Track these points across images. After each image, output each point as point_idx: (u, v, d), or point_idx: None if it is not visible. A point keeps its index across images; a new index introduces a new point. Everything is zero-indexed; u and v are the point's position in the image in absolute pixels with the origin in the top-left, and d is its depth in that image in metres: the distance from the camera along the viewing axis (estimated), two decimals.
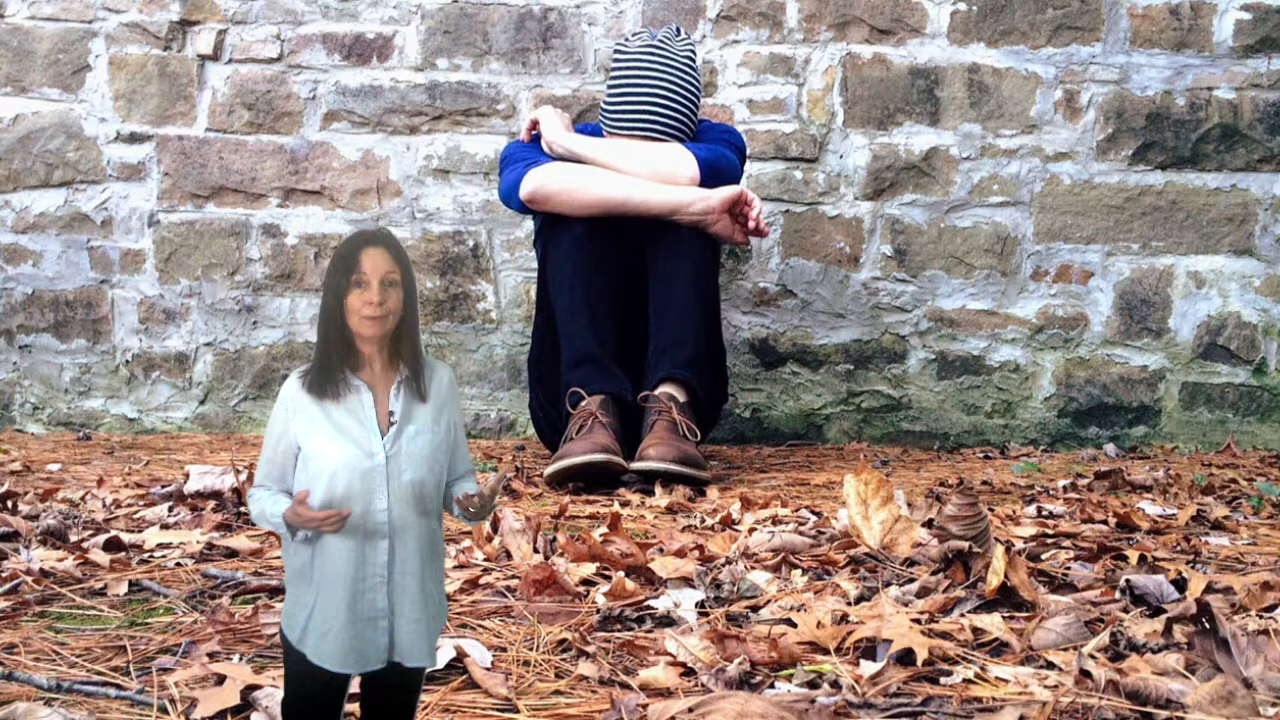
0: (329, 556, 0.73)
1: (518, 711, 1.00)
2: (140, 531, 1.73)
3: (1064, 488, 2.38)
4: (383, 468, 0.73)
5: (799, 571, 1.50)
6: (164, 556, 1.59)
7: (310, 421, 0.73)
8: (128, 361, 3.43)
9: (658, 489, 2.27)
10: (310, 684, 0.74)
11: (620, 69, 2.68)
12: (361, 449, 0.73)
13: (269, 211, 3.41)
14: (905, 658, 1.11)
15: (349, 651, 0.73)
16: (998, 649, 1.17)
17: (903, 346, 3.37)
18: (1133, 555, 1.58)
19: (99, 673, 1.09)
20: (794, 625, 1.21)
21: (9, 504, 1.88)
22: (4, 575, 1.42)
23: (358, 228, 3.39)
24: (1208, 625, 1.11)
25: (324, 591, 0.73)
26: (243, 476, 1.99)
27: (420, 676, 0.78)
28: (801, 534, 1.71)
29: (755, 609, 1.32)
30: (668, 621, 1.28)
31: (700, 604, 1.34)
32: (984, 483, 2.47)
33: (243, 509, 1.89)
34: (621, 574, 1.43)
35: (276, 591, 1.41)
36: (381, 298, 0.72)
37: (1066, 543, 1.73)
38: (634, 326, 2.65)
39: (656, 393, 2.49)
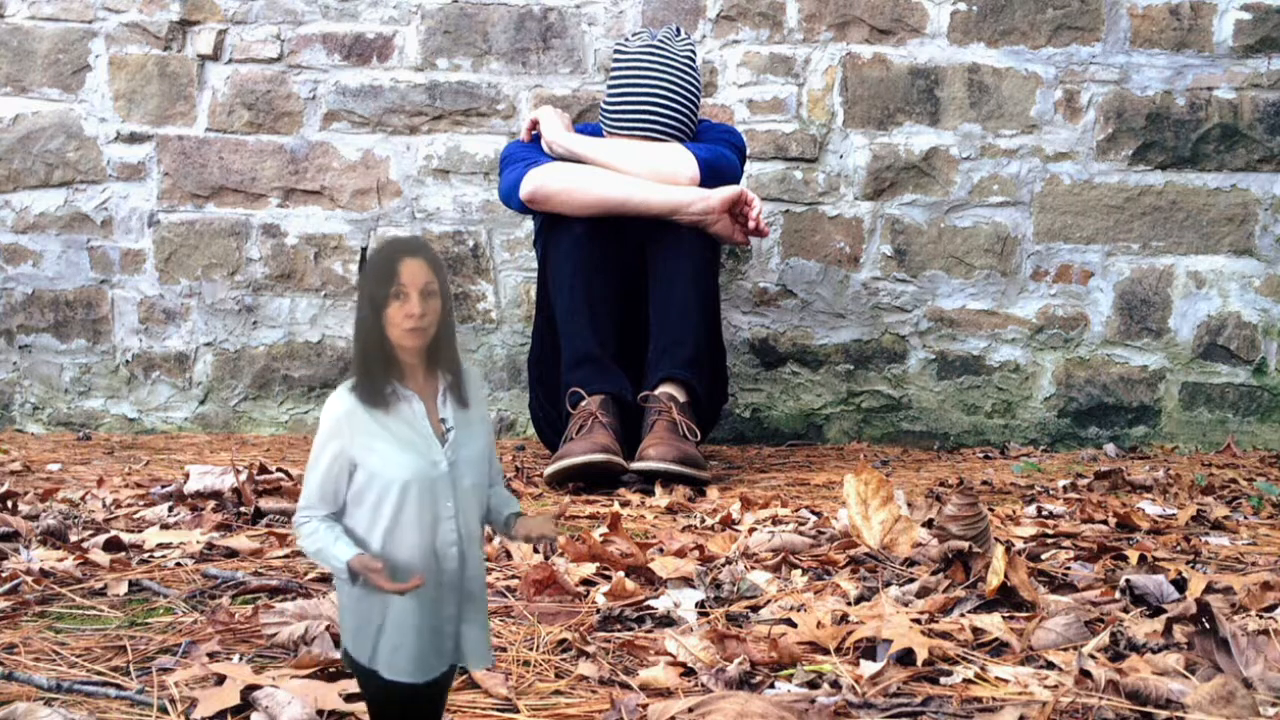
0: (401, 571, 0.72)
1: (518, 711, 1.00)
2: (140, 531, 1.73)
3: (1064, 488, 2.38)
4: (447, 476, 0.73)
5: (799, 571, 1.50)
6: (164, 556, 1.59)
7: (369, 435, 0.72)
8: (128, 361, 3.43)
9: (658, 489, 2.27)
10: (394, 700, 0.74)
11: (620, 69, 2.68)
12: (426, 458, 0.72)
13: (269, 211, 3.41)
14: (905, 658, 1.11)
15: (420, 661, 0.73)
16: (998, 649, 1.17)
17: (903, 346, 3.37)
18: (1133, 555, 1.58)
19: (99, 673, 1.09)
20: (794, 625, 1.22)
21: (9, 504, 1.88)
22: (4, 575, 1.42)
23: (358, 228, 3.40)
24: (1208, 625, 1.11)
25: (395, 607, 0.72)
26: (243, 476, 1.99)
27: (451, 678, 0.78)
28: (801, 534, 1.71)
29: (755, 609, 1.32)
30: (668, 621, 1.28)
31: (700, 604, 1.34)
32: (984, 483, 2.47)
33: (242, 509, 1.89)
34: (621, 574, 1.43)
35: (276, 591, 1.41)
36: (422, 309, 0.71)
37: (1066, 543, 1.73)
38: (634, 326, 2.65)
39: (656, 393, 2.49)
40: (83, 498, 2.01)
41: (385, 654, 0.73)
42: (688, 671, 1.10)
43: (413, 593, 0.71)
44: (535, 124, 2.77)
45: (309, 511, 0.73)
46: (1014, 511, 2.02)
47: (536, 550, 0.78)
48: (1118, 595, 1.36)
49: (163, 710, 0.99)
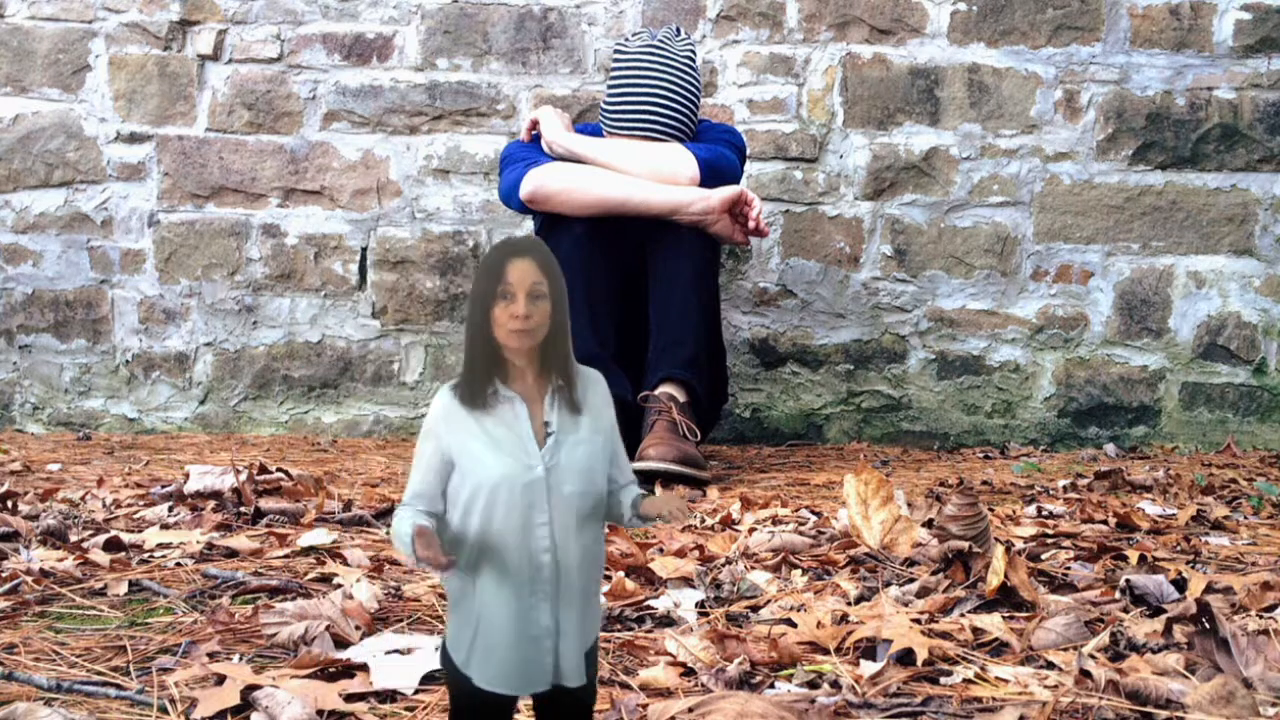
0: (492, 575, 0.70)
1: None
2: (140, 531, 1.73)
3: (1064, 488, 2.38)
4: (543, 480, 0.70)
5: (799, 571, 1.50)
6: (164, 556, 1.59)
7: (466, 434, 0.71)
8: (128, 361, 3.43)
9: (658, 489, 2.27)
10: (476, 707, 0.72)
11: (620, 69, 2.68)
12: (520, 462, 0.70)
13: (269, 211, 3.41)
14: (905, 658, 1.11)
15: (513, 673, 0.71)
16: (998, 649, 1.17)
17: (903, 346, 3.37)
18: (1133, 555, 1.58)
19: (99, 673, 1.09)
20: (794, 625, 1.21)
21: (9, 504, 1.88)
22: (4, 575, 1.42)
23: (357, 228, 3.40)
24: (1208, 625, 1.11)
25: (487, 612, 0.70)
26: (243, 476, 1.99)
27: (594, 693, 0.75)
28: (801, 534, 1.71)
29: (755, 609, 1.32)
30: (668, 621, 1.28)
31: (700, 604, 1.34)
32: (984, 483, 2.47)
33: (242, 509, 1.89)
34: (621, 574, 1.43)
35: (276, 591, 1.41)
36: (528, 310, 0.69)
37: (1066, 543, 1.73)
38: (634, 326, 2.65)
39: (656, 393, 2.49)
40: (83, 498, 2.01)
41: (479, 660, 0.71)
42: (688, 671, 1.10)
43: (504, 599, 0.70)
44: (535, 124, 2.77)
45: (407, 505, 0.72)
46: (1014, 511, 2.02)
47: (665, 522, 0.74)
48: (1118, 595, 1.36)
49: (163, 710, 0.99)
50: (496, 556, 0.70)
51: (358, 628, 1.21)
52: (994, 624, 1.20)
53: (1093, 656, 1.08)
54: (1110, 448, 3.21)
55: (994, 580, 1.30)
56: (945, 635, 1.19)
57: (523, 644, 0.70)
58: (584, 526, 0.72)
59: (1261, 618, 1.24)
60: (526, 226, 3.31)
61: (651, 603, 1.34)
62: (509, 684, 0.71)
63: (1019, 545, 1.69)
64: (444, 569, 0.68)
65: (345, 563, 1.56)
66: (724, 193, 2.56)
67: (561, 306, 0.71)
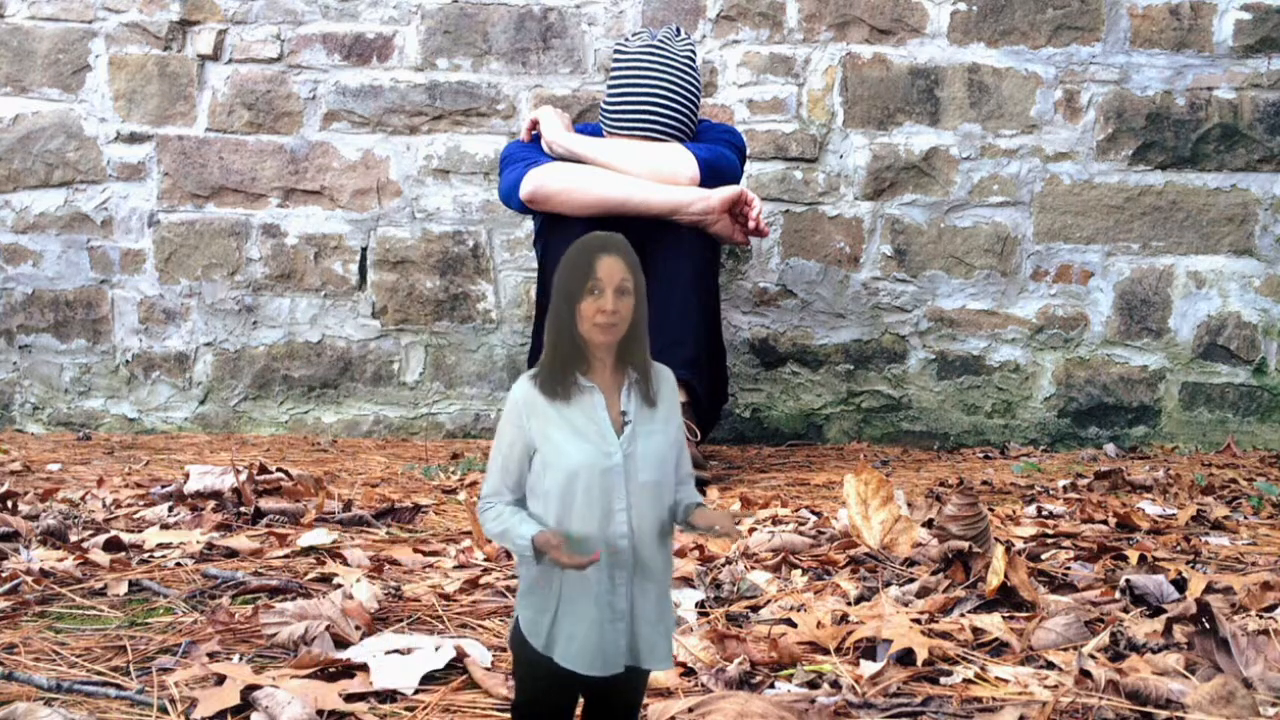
0: (585, 546, 0.72)
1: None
2: (140, 531, 1.73)
3: (1064, 488, 2.38)
4: (620, 467, 0.73)
5: (799, 571, 1.50)
6: (164, 556, 1.59)
7: (546, 421, 0.73)
8: (128, 361, 3.43)
9: None
10: (552, 689, 0.74)
11: (620, 69, 2.68)
12: (599, 449, 0.73)
13: (269, 211, 3.41)
14: (905, 658, 1.11)
15: (596, 654, 0.73)
16: (998, 649, 1.17)
17: (903, 346, 3.37)
18: (1133, 555, 1.58)
19: (99, 673, 1.09)
20: (794, 625, 1.21)
21: (9, 504, 1.87)
22: (4, 575, 1.42)
23: (357, 228, 3.40)
24: (1208, 625, 1.11)
25: (568, 596, 0.73)
26: (243, 476, 1.99)
27: (646, 679, 0.78)
28: (801, 534, 1.71)
29: (755, 609, 1.32)
30: None
31: (700, 604, 1.34)
32: (984, 483, 2.47)
33: (242, 509, 1.89)
34: None
35: (276, 591, 1.41)
36: (615, 306, 0.72)
37: (1066, 543, 1.73)
38: None
39: None
40: (83, 498, 2.01)
41: (561, 642, 0.73)
42: (688, 671, 1.10)
43: (584, 583, 0.72)
44: (535, 124, 2.77)
45: (493, 498, 0.75)
46: (1014, 511, 2.02)
47: (716, 538, 0.78)
48: (1118, 595, 1.36)
49: (163, 710, 0.99)
50: (576, 541, 0.72)
51: (358, 628, 1.21)
52: (994, 624, 1.20)
53: (1093, 656, 1.08)
54: (1110, 448, 3.21)
55: (994, 580, 1.30)
56: (945, 635, 1.19)
57: (603, 625, 0.73)
58: (659, 517, 0.75)
59: (1261, 618, 1.24)
60: (527, 226, 3.31)
61: None
62: (591, 664, 0.73)
63: (1019, 545, 1.69)
64: (586, 566, 0.70)
65: (345, 563, 1.56)
66: (724, 193, 2.56)
67: (642, 303, 0.74)
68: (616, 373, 0.75)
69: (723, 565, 1.50)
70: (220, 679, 1.04)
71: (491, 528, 0.74)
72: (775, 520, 1.87)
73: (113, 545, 1.60)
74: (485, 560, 1.58)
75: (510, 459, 0.74)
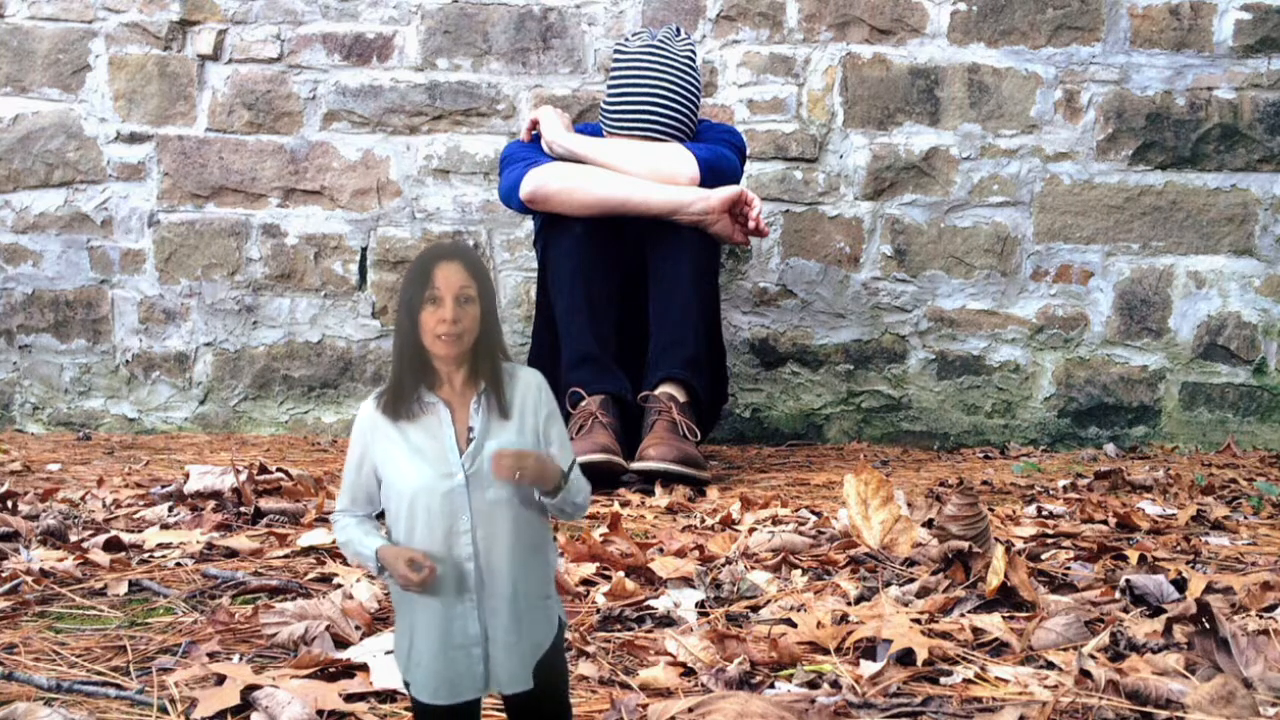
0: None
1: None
2: (140, 531, 1.73)
3: (1064, 488, 2.38)
4: (463, 488, 0.70)
5: (799, 571, 1.50)
6: (164, 556, 1.59)
7: (388, 444, 0.71)
8: (128, 361, 3.43)
9: (658, 489, 2.27)
10: (428, 715, 0.72)
11: (620, 69, 2.68)
12: (438, 470, 0.70)
13: (269, 211, 3.41)
14: (905, 658, 1.11)
15: (441, 682, 0.70)
16: (998, 649, 1.17)
17: (903, 346, 3.37)
18: (1133, 555, 1.58)
19: (99, 673, 1.09)
20: (794, 625, 1.21)
21: (9, 504, 1.88)
22: (4, 575, 1.42)
23: (357, 228, 3.40)
24: (1208, 625, 1.11)
25: (419, 621, 0.71)
26: (243, 476, 1.99)
27: (564, 686, 0.74)
28: (801, 534, 1.71)
29: (755, 609, 1.32)
30: (668, 621, 1.28)
31: (700, 604, 1.34)
32: (984, 483, 2.47)
33: (242, 509, 1.89)
34: (621, 574, 1.43)
35: (276, 591, 1.41)
36: (456, 315, 0.69)
37: (1066, 543, 1.73)
38: (634, 326, 2.65)
39: (656, 393, 2.49)
40: (83, 498, 2.01)
41: (414, 670, 0.71)
42: (688, 671, 1.10)
43: (431, 608, 0.69)
44: (535, 124, 2.77)
45: (344, 512, 0.73)
46: (1014, 511, 2.02)
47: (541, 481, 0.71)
48: (1118, 595, 1.36)
49: (163, 710, 0.99)
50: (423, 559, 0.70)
51: (358, 628, 1.21)
52: (994, 624, 1.20)
53: (1093, 656, 1.08)
54: (1110, 448, 3.21)
55: (994, 580, 1.30)
56: (945, 635, 1.19)
57: (449, 652, 0.70)
58: (517, 530, 0.71)
59: (1261, 618, 1.24)
60: (527, 226, 3.31)
61: (651, 603, 1.34)
62: (437, 693, 0.70)
63: (1019, 545, 1.69)
64: (423, 584, 0.68)
65: (345, 563, 1.56)
66: (724, 193, 2.56)
67: (491, 310, 0.71)
68: (468, 386, 0.72)
69: (723, 565, 1.50)
70: (220, 679, 1.04)
71: (340, 538, 0.72)
72: (775, 520, 1.87)
73: (113, 545, 1.60)
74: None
75: (358, 478, 0.72)
